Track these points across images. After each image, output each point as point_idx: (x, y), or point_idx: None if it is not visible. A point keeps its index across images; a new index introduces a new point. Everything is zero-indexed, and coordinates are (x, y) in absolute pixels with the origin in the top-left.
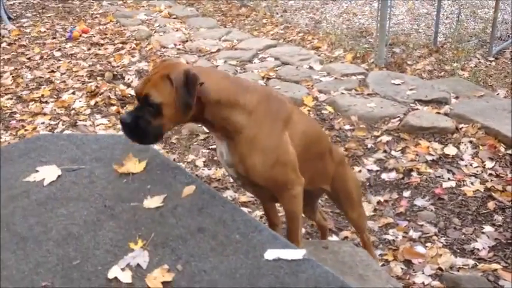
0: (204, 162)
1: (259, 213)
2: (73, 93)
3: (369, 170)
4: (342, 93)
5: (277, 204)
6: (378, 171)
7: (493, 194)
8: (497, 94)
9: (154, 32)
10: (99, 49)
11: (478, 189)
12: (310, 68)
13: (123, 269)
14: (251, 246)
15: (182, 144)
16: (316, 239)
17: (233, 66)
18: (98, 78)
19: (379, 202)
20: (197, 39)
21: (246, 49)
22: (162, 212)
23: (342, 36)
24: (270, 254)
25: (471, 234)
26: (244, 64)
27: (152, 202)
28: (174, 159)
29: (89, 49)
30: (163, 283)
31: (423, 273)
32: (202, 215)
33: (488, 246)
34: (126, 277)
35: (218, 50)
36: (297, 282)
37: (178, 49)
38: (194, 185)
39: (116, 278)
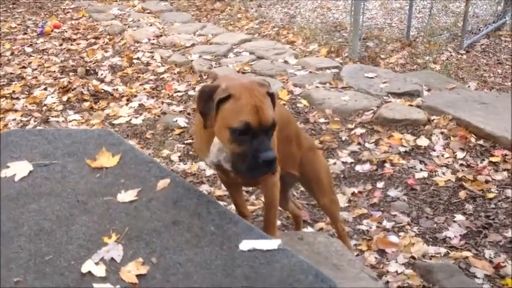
0: (179, 157)
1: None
2: (45, 89)
3: (343, 162)
4: (317, 86)
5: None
6: (352, 163)
7: (464, 183)
8: (468, 86)
9: (128, 26)
10: (72, 44)
11: (449, 179)
12: (285, 62)
13: (96, 263)
14: (226, 237)
15: (157, 139)
16: (291, 231)
17: (208, 61)
18: (71, 73)
19: (353, 193)
20: (171, 34)
21: (221, 44)
22: (136, 205)
23: (317, 30)
24: (245, 245)
25: (443, 223)
26: (219, 59)
27: (126, 196)
28: (149, 154)
29: (61, 44)
30: (137, 276)
31: (396, 261)
32: (177, 208)
33: (460, 235)
34: (100, 271)
35: (193, 45)
36: (272, 271)
37: (152, 44)
38: (169, 179)
39: (89, 272)
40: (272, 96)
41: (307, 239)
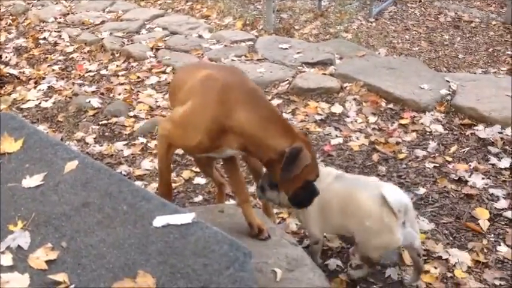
0: (94, 138)
1: (155, 185)
2: None
3: None
4: (232, 60)
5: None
6: None
7: (377, 146)
8: (378, 53)
9: (32, 6)
10: None
11: (363, 144)
12: (200, 36)
13: (3, 252)
14: (139, 215)
15: (70, 122)
16: (212, 204)
17: (120, 38)
18: None
19: None
20: (79, 12)
21: (132, 20)
22: (42, 190)
23: (231, 4)
24: (159, 221)
25: None
26: (132, 35)
27: (32, 181)
28: (61, 138)
29: None
30: (47, 262)
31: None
32: (87, 190)
33: None
34: (6, 260)
35: (102, 22)
36: (186, 244)
37: (59, 23)
38: (76, 160)
39: None
40: None
41: (228, 211)
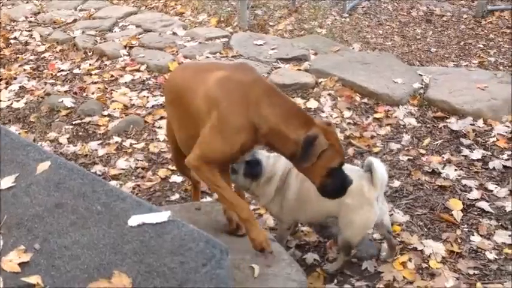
0: (68, 139)
1: (130, 184)
2: None
3: None
4: (207, 57)
5: None
6: None
7: (352, 141)
8: (352, 48)
9: (2, 5)
10: None
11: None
12: (174, 34)
13: None
14: (114, 215)
15: (42, 122)
16: (189, 202)
17: (92, 37)
18: None
19: None
20: (50, 11)
21: (105, 18)
22: (14, 192)
23: (205, 1)
24: (134, 220)
25: None
26: (104, 33)
27: (3, 183)
28: (34, 139)
29: None
30: (20, 264)
31: None
32: (60, 190)
33: None
34: None
35: (75, 21)
36: (162, 243)
37: (30, 22)
38: (49, 161)
39: None
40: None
41: (205, 209)
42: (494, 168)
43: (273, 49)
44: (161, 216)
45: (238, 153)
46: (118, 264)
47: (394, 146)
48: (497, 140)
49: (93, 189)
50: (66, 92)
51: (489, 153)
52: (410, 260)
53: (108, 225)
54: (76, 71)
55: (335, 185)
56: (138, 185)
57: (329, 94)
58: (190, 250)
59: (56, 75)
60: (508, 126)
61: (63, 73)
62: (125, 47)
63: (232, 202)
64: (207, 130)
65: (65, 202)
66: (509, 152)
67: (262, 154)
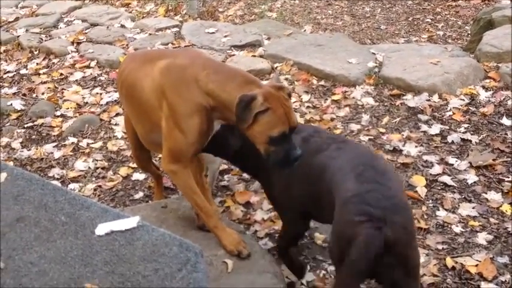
0: (21, 143)
1: (91, 186)
2: None
3: None
4: (159, 48)
5: None
6: None
7: (313, 124)
8: (304, 30)
9: None
10: None
11: (299, 123)
12: (122, 26)
13: None
14: (79, 225)
15: None
16: (155, 201)
17: (37, 35)
18: None
19: None
20: None
21: (49, 14)
22: None
23: None
24: (102, 229)
25: None
26: (49, 30)
27: None
28: None
29: None
30: None
31: (262, 209)
32: (20, 203)
33: None
34: None
35: (17, 19)
36: (133, 251)
37: None
38: (5, 172)
39: None
40: (290, 95)
41: (172, 206)
42: (453, 142)
43: (225, 36)
44: (130, 222)
45: (201, 136)
46: (89, 277)
47: (354, 126)
48: (454, 113)
49: (55, 199)
50: (14, 94)
51: (447, 127)
52: None
53: (75, 236)
54: (23, 71)
55: (277, 155)
56: (100, 186)
57: (286, 79)
58: (163, 256)
59: (1, 77)
60: (463, 99)
61: (10, 74)
62: (72, 43)
63: (201, 208)
64: (164, 125)
65: (27, 215)
66: (466, 125)
67: None
